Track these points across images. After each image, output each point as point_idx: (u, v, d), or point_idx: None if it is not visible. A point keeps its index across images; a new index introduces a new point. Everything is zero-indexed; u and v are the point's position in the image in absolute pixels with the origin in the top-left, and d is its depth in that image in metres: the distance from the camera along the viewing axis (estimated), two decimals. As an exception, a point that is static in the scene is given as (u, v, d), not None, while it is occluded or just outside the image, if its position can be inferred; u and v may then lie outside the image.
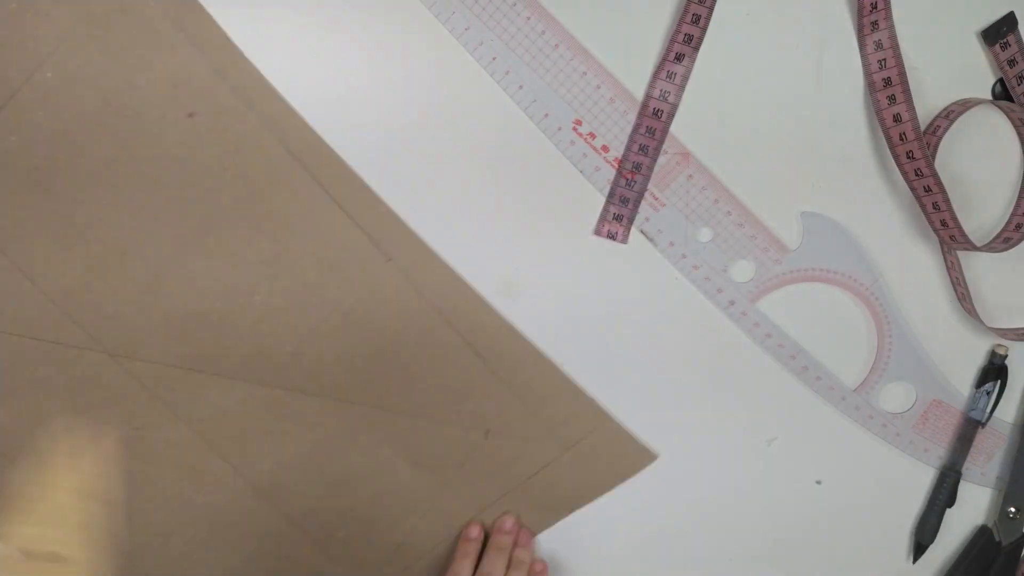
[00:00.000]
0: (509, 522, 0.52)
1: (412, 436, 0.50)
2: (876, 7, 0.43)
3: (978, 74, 0.46)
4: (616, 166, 0.46)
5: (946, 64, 0.45)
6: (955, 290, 0.49)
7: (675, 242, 0.48)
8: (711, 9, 0.43)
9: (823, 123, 0.46)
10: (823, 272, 0.49)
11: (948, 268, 0.48)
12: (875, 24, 0.43)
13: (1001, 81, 0.46)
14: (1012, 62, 0.45)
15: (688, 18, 0.43)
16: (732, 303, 0.49)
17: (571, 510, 0.53)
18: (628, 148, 0.46)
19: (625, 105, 0.45)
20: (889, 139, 0.44)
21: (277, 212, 0.45)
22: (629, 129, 0.45)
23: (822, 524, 0.54)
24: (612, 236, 0.47)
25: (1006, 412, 0.52)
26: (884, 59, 0.44)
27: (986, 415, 0.50)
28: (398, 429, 0.50)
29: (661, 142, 0.45)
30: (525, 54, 0.44)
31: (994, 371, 0.50)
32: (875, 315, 0.49)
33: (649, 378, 0.50)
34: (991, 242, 0.47)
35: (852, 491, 0.53)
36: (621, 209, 0.47)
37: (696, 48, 0.44)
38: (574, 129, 0.45)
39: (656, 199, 0.47)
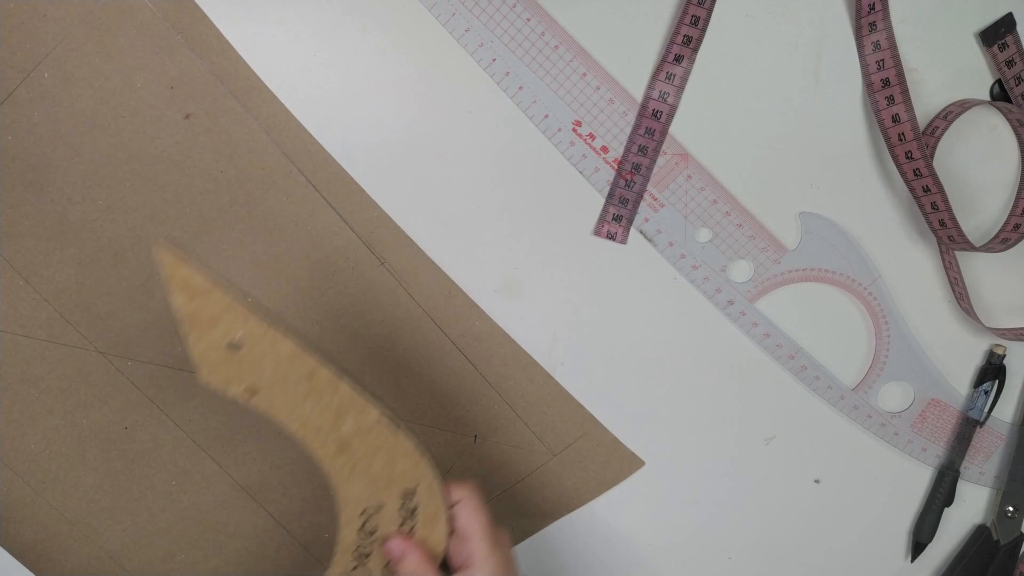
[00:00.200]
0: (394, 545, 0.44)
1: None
2: (874, 8, 0.43)
3: (976, 75, 0.46)
4: (615, 167, 0.46)
5: (944, 65, 0.45)
6: (953, 290, 0.49)
7: (674, 242, 0.48)
8: (710, 11, 0.43)
9: (822, 124, 0.46)
10: (822, 272, 0.49)
11: (946, 268, 0.49)
12: (873, 25, 0.43)
13: (999, 82, 0.46)
14: (1010, 63, 0.45)
15: (687, 20, 0.43)
16: (731, 303, 0.49)
17: (559, 515, 0.53)
18: (627, 149, 0.46)
19: (624, 106, 0.45)
20: (888, 139, 0.44)
21: (271, 214, 0.45)
22: (628, 130, 0.45)
23: (820, 523, 0.54)
24: (611, 236, 0.47)
25: (1004, 411, 0.52)
26: (882, 60, 0.44)
27: (984, 414, 0.51)
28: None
29: (660, 143, 0.45)
30: (525, 55, 0.44)
31: (992, 371, 0.50)
32: (873, 315, 0.50)
33: (648, 377, 0.50)
34: (989, 242, 0.47)
35: (850, 490, 0.53)
36: (620, 209, 0.47)
37: (695, 49, 0.44)
38: (574, 130, 0.45)
39: (655, 199, 0.47)
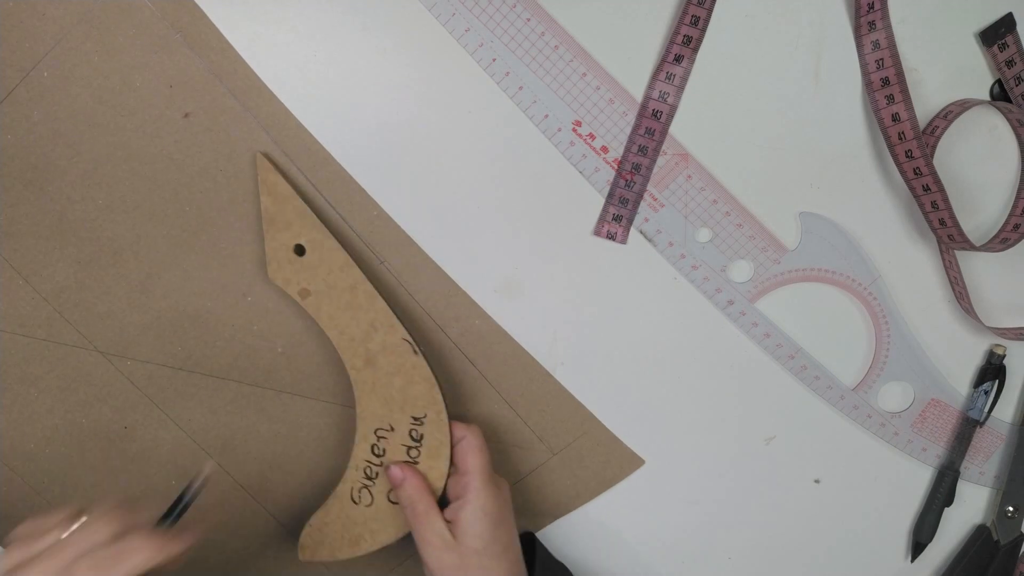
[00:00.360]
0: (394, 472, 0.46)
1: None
2: (873, 7, 0.43)
3: (976, 75, 0.46)
4: (615, 167, 0.46)
5: (944, 65, 0.45)
6: (953, 289, 0.49)
7: (674, 242, 0.48)
8: (710, 11, 0.43)
9: (821, 124, 0.46)
10: (821, 272, 0.49)
11: (946, 267, 0.49)
12: (872, 24, 0.43)
13: (999, 82, 0.46)
14: (1010, 63, 0.45)
15: (687, 20, 0.43)
16: (731, 303, 0.49)
17: (560, 514, 0.53)
18: (627, 149, 0.46)
19: (624, 106, 0.45)
20: (887, 138, 0.44)
21: (272, 213, 0.45)
22: (628, 130, 0.45)
23: (820, 523, 0.54)
24: (611, 236, 0.47)
25: (1004, 411, 0.52)
26: (882, 59, 0.44)
27: (984, 414, 0.51)
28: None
29: (660, 143, 0.45)
30: (525, 55, 0.44)
31: (992, 370, 0.50)
32: (873, 314, 0.50)
33: (648, 377, 0.50)
34: (989, 242, 0.47)
35: (850, 490, 0.53)
36: (620, 209, 0.47)
37: (695, 49, 0.44)
38: (574, 130, 0.45)
39: (655, 199, 0.47)
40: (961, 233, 0.45)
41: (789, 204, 0.47)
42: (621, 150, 0.46)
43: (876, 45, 0.44)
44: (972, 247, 0.45)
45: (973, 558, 0.54)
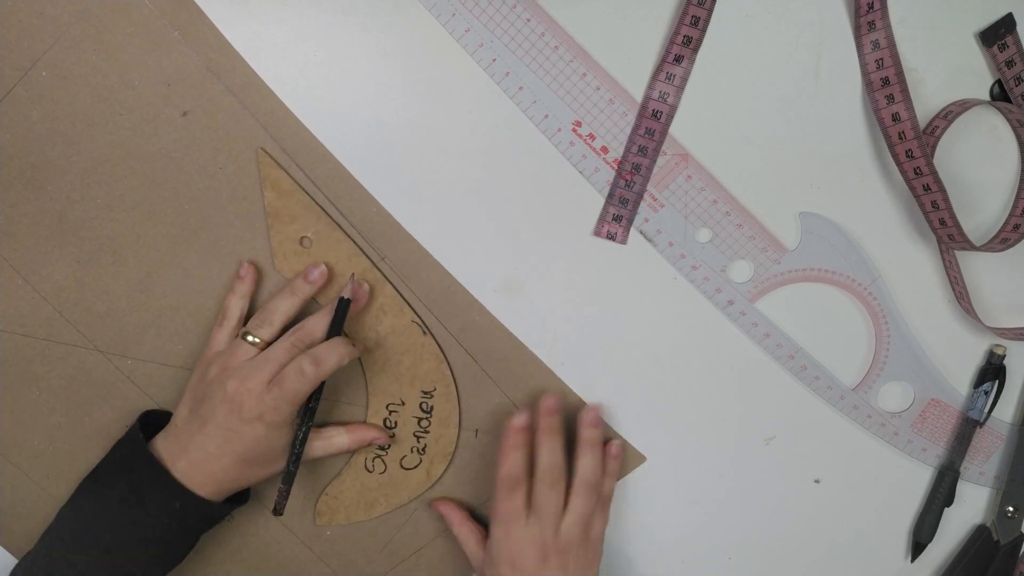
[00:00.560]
0: (550, 401, 0.46)
1: (410, 437, 0.51)
2: (873, 7, 0.43)
3: (976, 75, 0.46)
4: (615, 167, 0.46)
5: (944, 65, 0.45)
6: (953, 289, 0.49)
7: (674, 242, 0.48)
8: (710, 11, 0.43)
9: (821, 124, 0.46)
10: (821, 272, 0.49)
11: (946, 267, 0.49)
12: (872, 24, 0.43)
13: (999, 82, 0.46)
14: (1010, 63, 0.45)
15: (687, 20, 0.43)
16: (731, 303, 0.49)
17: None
18: (627, 149, 0.46)
19: (624, 106, 0.45)
20: (888, 138, 0.44)
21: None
22: (628, 130, 0.45)
23: (820, 523, 0.54)
24: (611, 237, 0.47)
25: (1004, 412, 0.52)
26: (881, 58, 0.44)
27: (984, 414, 0.51)
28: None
29: (660, 143, 0.45)
30: (525, 56, 0.44)
31: (992, 371, 0.50)
32: (873, 315, 0.49)
33: (648, 377, 0.50)
34: (989, 242, 0.47)
35: (850, 490, 0.53)
36: (620, 210, 0.47)
37: (695, 50, 0.44)
38: (574, 130, 0.45)
39: (655, 200, 0.47)
40: (961, 233, 0.45)
41: (789, 204, 0.47)
42: (621, 150, 0.46)
43: (876, 45, 0.44)
44: (972, 247, 0.45)
45: (973, 558, 0.54)
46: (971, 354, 0.51)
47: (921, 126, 0.44)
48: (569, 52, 0.44)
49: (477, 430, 0.50)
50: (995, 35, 0.45)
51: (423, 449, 0.50)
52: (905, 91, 0.43)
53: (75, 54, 0.42)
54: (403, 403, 0.49)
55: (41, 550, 0.43)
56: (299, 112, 0.44)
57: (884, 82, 0.44)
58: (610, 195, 0.46)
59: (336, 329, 0.44)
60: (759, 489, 0.53)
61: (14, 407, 0.48)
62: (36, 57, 0.42)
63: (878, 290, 0.49)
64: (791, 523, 0.54)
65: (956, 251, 0.48)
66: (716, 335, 0.49)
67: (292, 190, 0.44)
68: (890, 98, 0.44)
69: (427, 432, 0.49)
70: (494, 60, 0.44)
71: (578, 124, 0.45)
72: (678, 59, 0.44)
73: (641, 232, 0.47)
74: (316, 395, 0.44)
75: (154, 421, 0.46)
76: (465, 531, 0.50)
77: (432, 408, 0.49)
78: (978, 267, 0.49)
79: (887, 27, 0.43)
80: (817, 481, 0.53)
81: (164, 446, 0.44)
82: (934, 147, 0.46)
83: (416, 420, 0.49)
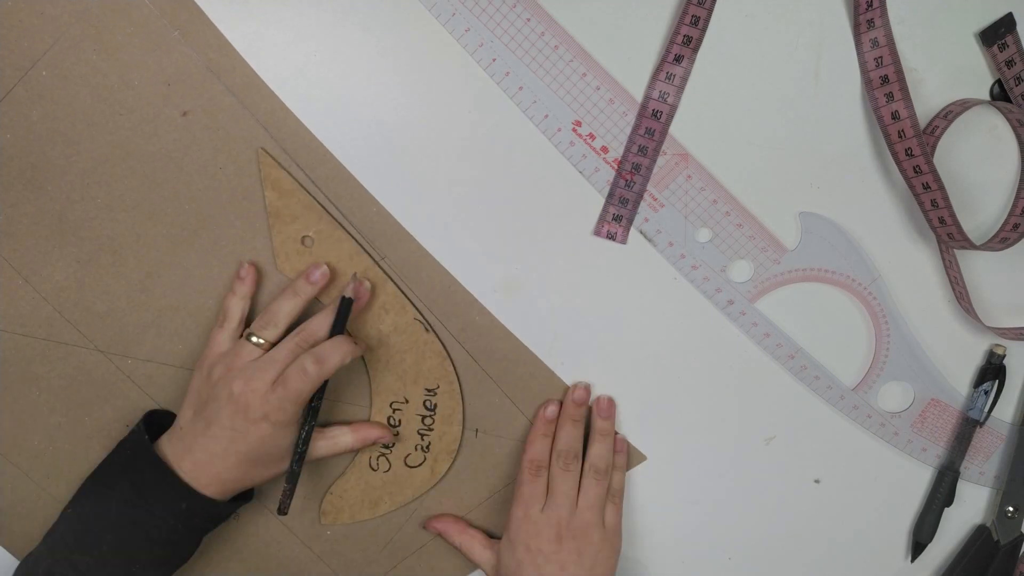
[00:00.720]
0: (579, 392, 0.49)
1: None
2: (872, 5, 0.43)
3: (976, 75, 0.46)
4: (615, 167, 0.46)
5: (944, 65, 0.45)
6: (953, 289, 0.49)
7: (674, 242, 0.48)
8: (710, 11, 0.43)
9: (821, 124, 0.46)
10: (821, 272, 0.49)
11: (946, 267, 0.49)
12: (871, 22, 0.43)
13: (999, 82, 0.46)
14: (1010, 63, 0.45)
15: (687, 20, 0.43)
16: (731, 303, 0.49)
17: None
18: (627, 149, 0.46)
19: (624, 106, 0.45)
20: (887, 136, 0.44)
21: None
22: (628, 130, 0.45)
23: (820, 523, 0.54)
24: (611, 236, 0.47)
25: (1004, 412, 0.52)
26: (880, 56, 0.44)
27: (984, 414, 0.51)
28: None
29: (660, 143, 0.45)
30: (525, 55, 0.44)
31: (992, 370, 0.50)
32: (873, 314, 0.49)
33: (648, 377, 0.50)
34: (988, 241, 0.47)
35: (850, 490, 0.53)
36: (620, 209, 0.47)
37: (695, 50, 0.44)
38: (574, 130, 0.45)
39: (655, 199, 0.47)
40: (960, 231, 0.45)
41: (789, 204, 0.47)
42: (621, 150, 0.46)
43: (875, 43, 0.44)
44: (971, 245, 0.45)
45: (973, 558, 0.54)
46: (971, 354, 0.51)
47: (921, 126, 0.44)
48: (569, 52, 0.44)
49: (477, 430, 0.50)
50: (995, 35, 0.45)
51: (427, 447, 0.50)
52: (904, 89, 0.43)
53: (75, 54, 0.42)
54: (407, 401, 0.49)
55: (43, 550, 0.43)
56: (299, 112, 0.44)
57: (883, 80, 0.44)
58: (610, 195, 0.46)
59: (339, 328, 0.44)
60: (759, 489, 0.53)
61: (14, 407, 0.48)
62: (36, 57, 0.42)
63: (878, 290, 0.49)
64: (791, 523, 0.54)
65: (956, 251, 0.48)
66: (716, 335, 0.49)
67: (293, 190, 0.44)
68: (889, 96, 0.44)
69: (431, 430, 0.49)
70: (494, 60, 0.44)
71: (578, 124, 0.45)
72: (678, 59, 0.44)
73: (641, 232, 0.47)
74: (319, 394, 0.44)
75: (156, 421, 0.46)
76: (467, 538, 0.50)
77: (436, 405, 0.49)
78: (978, 267, 0.49)
79: (886, 25, 0.43)
80: (817, 481, 0.53)
81: (169, 447, 0.44)
82: (934, 147, 0.46)
83: (420, 418, 0.49)
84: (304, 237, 0.45)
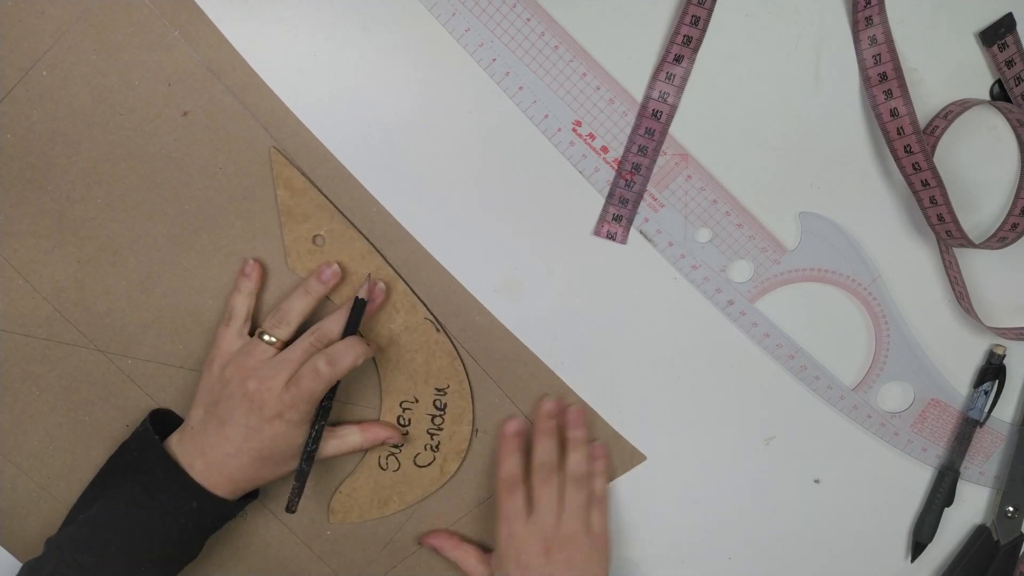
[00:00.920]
0: (549, 405, 0.49)
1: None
2: (870, 2, 0.43)
3: (976, 75, 0.46)
4: (615, 167, 0.46)
5: (944, 65, 0.45)
6: (953, 289, 0.49)
7: (674, 242, 0.48)
8: (710, 11, 0.43)
9: (821, 124, 0.46)
10: (821, 272, 0.49)
11: (946, 267, 0.49)
12: (869, 20, 0.43)
13: (999, 82, 0.46)
14: (1010, 63, 0.45)
15: (687, 20, 0.43)
16: (731, 303, 0.49)
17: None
18: (627, 149, 0.46)
19: (624, 106, 0.45)
20: (886, 134, 0.44)
21: (270, 211, 0.45)
22: (628, 130, 0.45)
23: (820, 523, 0.54)
24: (611, 236, 0.47)
25: (1004, 412, 0.52)
26: (879, 54, 0.44)
27: (984, 414, 0.51)
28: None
29: (660, 143, 0.45)
30: (525, 55, 0.44)
31: (992, 371, 0.50)
32: (873, 314, 0.49)
33: (648, 377, 0.50)
34: (987, 240, 0.47)
35: (850, 490, 0.53)
36: (620, 209, 0.47)
37: (695, 50, 0.44)
38: (574, 130, 0.45)
39: (655, 200, 0.47)
40: (959, 229, 0.45)
41: (789, 204, 0.47)
42: (621, 150, 0.46)
43: (873, 40, 0.44)
44: (970, 243, 0.45)
45: (973, 558, 0.54)
46: (971, 354, 0.51)
47: (921, 126, 0.44)
48: (569, 52, 0.44)
49: (477, 430, 0.50)
50: (995, 35, 0.45)
51: (437, 446, 0.50)
52: (903, 87, 0.43)
53: (75, 54, 0.42)
54: (417, 401, 0.49)
55: (51, 550, 0.43)
56: (299, 112, 0.44)
57: (882, 77, 0.44)
58: (610, 195, 0.46)
59: (352, 329, 0.44)
60: (759, 489, 0.53)
61: (14, 407, 0.48)
62: (36, 57, 0.42)
63: (878, 290, 0.49)
64: (791, 523, 0.54)
65: (956, 250, 0.48)
66: (716, 335, 0.49)
67: (305, 188, 0.45)
68: (888, 93, 0.44)
69: (440, 429, 0.50)
70: (494, 60, 0.44)
71: (578, 124, 0.45)
72: (678, 59, 0.44)
73: (641, 232, 0.47)
74: (330, 394, 0.44)
75: (158, 420, 0.46)
76: (461, 553, 0.50)
77: (446, 405, 0.49)
78: (978, 267, 0.49)
79: (884, 22, 0.43)
80: (817, 481, 0.53)
81: (179, 448, 0.44)
82: (934, 147, 0.46)
83: (430, 418, 0.49)
84: (316, 236, 0.45)
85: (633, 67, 0.45)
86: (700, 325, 0.49)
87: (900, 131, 0.44)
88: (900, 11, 0.44)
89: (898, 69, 0.43)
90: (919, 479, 0.53)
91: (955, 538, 0.55)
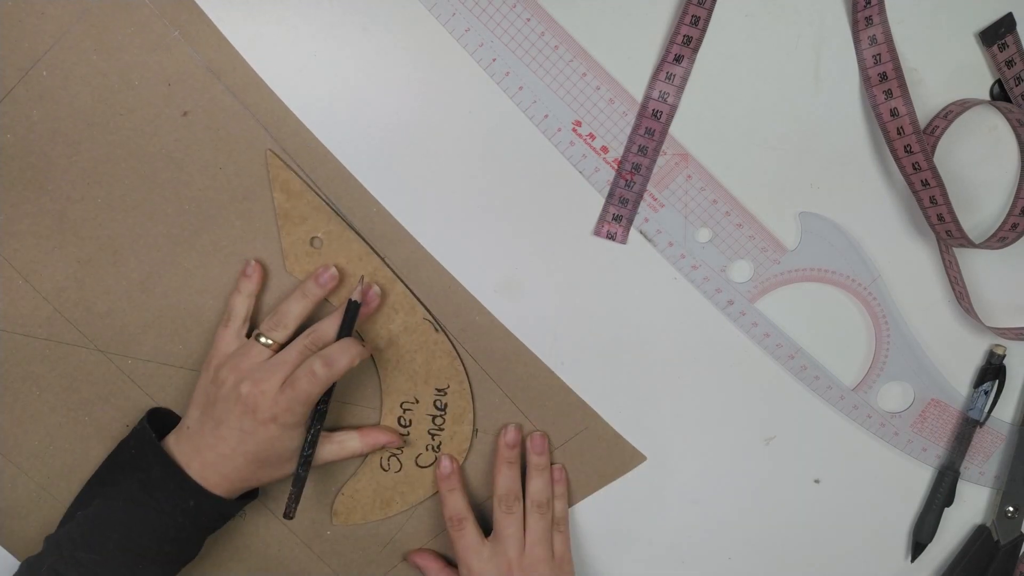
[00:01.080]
0: (511, 434, 0.49)
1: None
2: (870, 2, 0.43)
3: (976, 75, 0.46)
4: (615, 167, 0.46)
5: (944, 65, 0.45)
6: (953, 289, 0.49)
7: (674, 242, 0.48)
8: (710, 11, 0.43)
9: (821, 124, 0.46)
10: (821, 272, 0.49)
11: (946, 267, 0.49)
12: (869, 19, 0.43)
13: (999, 82, 0.46)
14: (1010, 63, 0.45)
15: (687, 20, 0.43)
16: (731, 303, 0.49)
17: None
18: (627, 149, 0.46)
19: (624, 106, 0.45)
20: (886, 133, 0.44)
21: (271, 211, 0.45)
22: (628, 130, 0.45)
23: (821, 523, 0.54)
24: (611, 236, 0.47)
25: (1004, 411, 0.52)
26: (879, 54, 0.44)
27: (984, 414, 0.51)
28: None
29: (660, 143, 0.45)
30: (525, 55, 0.44)
31: (992, 371, 0.50)
32: (873, 314, 0.50)
33: (648, 377, 0.50)
34: (987, 240, 0.47)
35: (850, 490, 0.53)
36: (620, 209, 0.47)
37: (695, 50, 0.44)
38: (574, 130, 0.45)
39: (655, 199, 0.47)
40: (959, 228, 0.45)
41: (789, 204, 0.47)
42: (621, 150, 0.46)
43: (873, 40, 0.44)
44: (970, 243, 0.45)
45: (973, 558, 0.54)
46: (971, 354, 0.51)
47: (921, 126, 0.44)
48: (569, 52, 0.44)
49: (478, 430, 0.50)
50: (995, 35, 0.45)
51: (438, 447, 0.50)
52: (903, 86, 0.43)
53: (76, 54, 0.42)
54: (417, 401, 0.49)
55: (50, 547, 0.43)
56: (299, 112, 0.44)
57: (882, 77, 0.44)
58: (610, 195, 0.46)
59: (346, 331, 0.44)
60: (759, 489, 0.53)
61: (14, 407, 0.48)
62: (37, 57, 0.42)
63: (878, 290, 0.49)
64: (791, 523, 0.54)
65: (956, 250, 0.48)
66: (716, 335, 0.50)
67: (302, 191, 0.45)
68: (888, 93, 0.44)
69: (441, 430, 0.50)
70: (494, 60, 0.44)
71: (578, 124, 0.45)
72: (678, 59, 0.44)
73: (641, 232, 0.47)
74: (326, 397, 0.44)
75: (157, 419, 0.46)
76: None
77: (446, 405, 0.49)
78: (978, 267, 0.49)
79: (884, 22, 0.43)
80: (817, 481, 0.53)
81: (177, 447, 0.45)
82: (934, 147, 0.46)
83: (431, 418, 0.49)
84: (313, 238, 0.45)
85: (633, 67, 0.45)
86: (700, 325, 0.49)
87: (900, 131, 0.44)
88: (900, 11, 0.44)
89: (898, 69, 0.43)
90: (919, 479, 0.53)
91: (955, 538, 0.55)
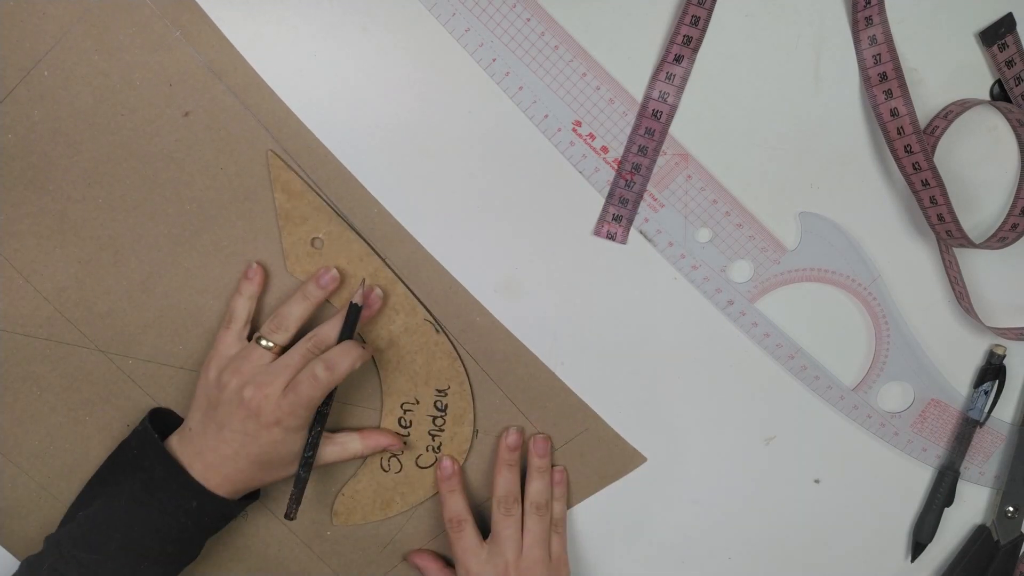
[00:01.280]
0: (512, 437, 0.50)
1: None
2: (870, 2, 0.43)
3: (976, 75, 0.46)
4: (615, 167, 0.46)
5: (944, 65, 0.45)
6: (953, 289, 0.49)
7: (674, 242, 0.48)
8: (710, 11, 0.43)
9: (821, 124, 0.46)
10: (821, 272, 0.49)
11: (946, 267, 0.49)
12: (869, 19, 0.43)
13: (999, 82, 0.46)
14: (1010, 63, 0.45)
15: (687, 20, 0.43)
16: (731, 303, 0.49)
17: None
18: (627, 149, 0.46)
19: (624, 106, 0.45)
20: (886, 133, 0.44)
21: (272, 211, 0.45)
22: (628, 130, 0.45)
23: (820, 523, 0.54)
24: (611, 236, 0.47)
25: (1004, 412, 0.52)
26: (879, 54, 0.44)
27: (984, 414, 0.51)
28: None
29: (660, 143, 0.45)
30: (525, 55, 0.44)
31: (992, 371, 0.50)
32: (873, 314, 0.50)
33: (648, 377, 0.50)
34: (987, 240, 0.47)
35: (850, 490, 0.53)
36: (620, 209, 0.47)
37: (695, 50, 0.44)
38: (574, 130, 0.45)
39: (655, 199, 0.47)
40: (959, 228, 0.45)
41: (789, 204, 0.47)
42: (621, 150, 0.46)
43: (873, 40, 0.44)
44: (970, 243, 0.45)
45: (973, 558, 0.54)
46: (971, 354, 0.51)
47: (921, 126, 0.44)
48: (569, 52, 0.44)
49: (478, 430, 0.50)
50: (995, 35, 0.45)
51: (438, 448, 0.50)
52: (903, 86, 0.43)
53: (77, 54, 0.42)
54: (417, 402, 0.49)
55: (50, 547, 0.43)
56: (300, 112, 0.44)
57: (882, 77, 0.44)
58: (610, 195, 0.46)
59: (347, 334, 0.44)
60: (759, 489, 0.53)
61: (14, 407, 0.48)
62: (38, 57, 0.42)
63: (878, 290, 0.49)
64: (791, 523, 0.54)
65: (956, 250, 0.48)
66: (716, 335, 0.50)
67: (303, 191, 0.45)
68: (888, 93, 0.44)
69: (442, 431, 0.50)
70: (494, 60, 0.44)
71: (578, 124, 0.45)
72: (678, 59, 0.44)
73: (641, 232, 0.47)
74: (328, 399, 0.44)
75: (159, 419, 0.46)
76: None
77: (446, 406, 0.49)
78: (978, 267, 0.49)
79: (884, 22, 0.43)
80: (817, 481, 0.53)
81: (179, 448, 0.45)
82: (934, 147, 0.46)
83: (431, 419, 0.49)
84: (314, 239, 0.45)
85: (633, 67, 0.45)
86: (700, 325, 0.49)
87: (900, 131, 0.44)
88: (900, 11, 0.44)
89: (898, 69, 0.43)
90: (919, 479, 0.53)
91: (955, 538, 0.55)
